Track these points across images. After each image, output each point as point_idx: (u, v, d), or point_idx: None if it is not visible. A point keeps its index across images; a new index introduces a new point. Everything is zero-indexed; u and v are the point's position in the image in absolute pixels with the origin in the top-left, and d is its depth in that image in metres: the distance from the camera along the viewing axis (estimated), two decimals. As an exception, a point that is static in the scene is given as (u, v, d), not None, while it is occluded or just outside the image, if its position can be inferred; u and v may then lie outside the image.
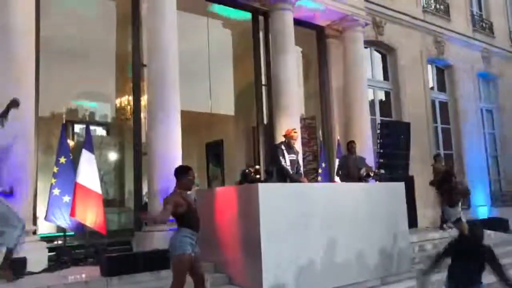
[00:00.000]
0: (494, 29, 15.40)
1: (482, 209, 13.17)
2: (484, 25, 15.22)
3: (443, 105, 13.64)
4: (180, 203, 4.21)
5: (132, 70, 7.91)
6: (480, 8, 15.65)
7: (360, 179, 7.95)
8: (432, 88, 13.36)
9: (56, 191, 6.08)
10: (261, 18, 9.60)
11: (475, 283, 4.10)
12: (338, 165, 8.60)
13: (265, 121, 9.57)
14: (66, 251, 6.13)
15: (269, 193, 5.39)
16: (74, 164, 6.30)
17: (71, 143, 8.96)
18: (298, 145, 7.74)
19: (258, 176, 7.42)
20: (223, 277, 5.56)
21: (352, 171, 8.02)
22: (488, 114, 15.14)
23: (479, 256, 4.10)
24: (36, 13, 6.43)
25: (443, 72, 13.90)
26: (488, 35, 15.11)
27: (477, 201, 13.12)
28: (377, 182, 8.21)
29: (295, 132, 6.69)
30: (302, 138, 9.11)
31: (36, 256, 5.46)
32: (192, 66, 9.19)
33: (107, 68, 8.66)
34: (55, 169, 6.16)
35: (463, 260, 4.10)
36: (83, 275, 5.30)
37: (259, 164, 9.03)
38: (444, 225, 9.01)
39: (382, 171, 8.59)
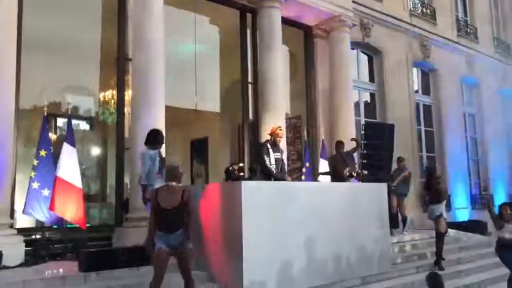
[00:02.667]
0: (478, 35, 15.65)
1: (462, 212, 13.38)
2: (468, 30, 15.46)
3: (427, 108, 13.82)
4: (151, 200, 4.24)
5: (117, 64, 7.82)
6: (465, 14, 15.89)
7: (343, 178, 7.98)
8: (416, 91, 13.52)
9: (35, 184, 5.98)
10: (248, 15, 9.57)
11: None
12: (329, 165, 8.63)
13: (250, 119, 9.55)
14: (44, 246, 6.01)
15: (252, 191, 5.36)
16: (55, 157, 6.20)
17: (53, 136, 8.82)
18: (283, 144, 7.74)
19: (242, 173, 7.40)
20: (204, 274, 5.51)
21: (340, 170, 8.04)
22: (470, 118, 15.38)
23: None
24: (19, 5, 6.31)
25: (427, 75, 14.08)
26: (472, 40, 15.36)
27: (457, 204, 13.33)
28: (360, 182, 8.26)
29: (280, 130, 6.68)
30: (287, 137, 9.12)
31: (12, 250, 5.36)
32: (178, 62, 9.13)
33: (92, 61, 8.53)
34: (35, 162, 6.06)
35: None
36: (61, 270, 5.22)
37: (243, 162, 9.01)
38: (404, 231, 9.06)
39: (365, 172, 8.64)
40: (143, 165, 5.63)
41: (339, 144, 8.55)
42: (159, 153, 5.74)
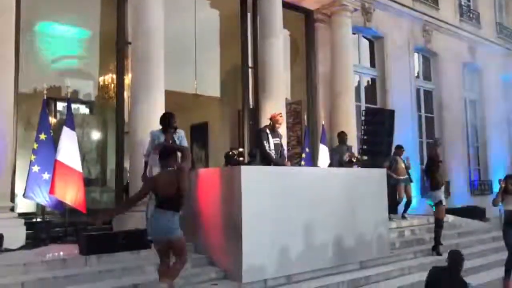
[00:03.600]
0: (480, 20, 15.50)
1: (461, 197, 13.42)
2: (471, 15, 15.30)
3: (428, 94, 13.76)
4: (145, 181, 4.20)
5: (117, 48, 7.76)
6: (468, -2, 15.72)
7: (342, 164, 8.02)
8: (417, 77, 13.45)
9: (35, 168, 5.98)
10: (249, -1, 9.48)
11: None
12: (331, 157, 8.69)
13: (250, 104, 9.52)
14: (45, 229, 6.06)
15: (251, 175, 5.38)
16: (54, 141, 6.20)
17: (52, 120, 8.81)
18: (283, 130, 7.73)
19: (241, 158, 7.41)
20: (203, 258, 5.57)
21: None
22: (471, 104, 15.32)
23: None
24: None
25: (429, 60, 13.99)
26: (474, 25, 15.21)
27: (456, 190, 13.36)
28: (359, 168, 8.28)
29: (280, 117, 6.68)
30: (287, 122, 9.10)
31: (14, 233, 5.39)
32: (178, 46, 9.06)
33: (91, 45, 8.47)
34: (35, 146, 6.05)
35: None
36: (61, 253, 5.27)
37: (243, 147, 9.01)
38: (405, 214, 9.12)
39: (365, 157, 8.64)
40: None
41: (342, 134, 8.59)
42: (168, 135, 5.80)
